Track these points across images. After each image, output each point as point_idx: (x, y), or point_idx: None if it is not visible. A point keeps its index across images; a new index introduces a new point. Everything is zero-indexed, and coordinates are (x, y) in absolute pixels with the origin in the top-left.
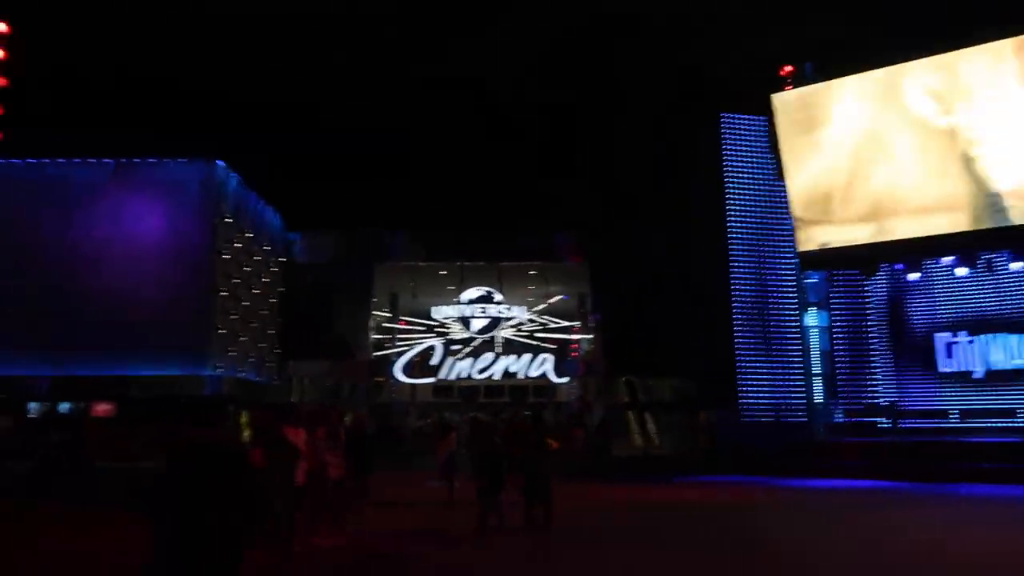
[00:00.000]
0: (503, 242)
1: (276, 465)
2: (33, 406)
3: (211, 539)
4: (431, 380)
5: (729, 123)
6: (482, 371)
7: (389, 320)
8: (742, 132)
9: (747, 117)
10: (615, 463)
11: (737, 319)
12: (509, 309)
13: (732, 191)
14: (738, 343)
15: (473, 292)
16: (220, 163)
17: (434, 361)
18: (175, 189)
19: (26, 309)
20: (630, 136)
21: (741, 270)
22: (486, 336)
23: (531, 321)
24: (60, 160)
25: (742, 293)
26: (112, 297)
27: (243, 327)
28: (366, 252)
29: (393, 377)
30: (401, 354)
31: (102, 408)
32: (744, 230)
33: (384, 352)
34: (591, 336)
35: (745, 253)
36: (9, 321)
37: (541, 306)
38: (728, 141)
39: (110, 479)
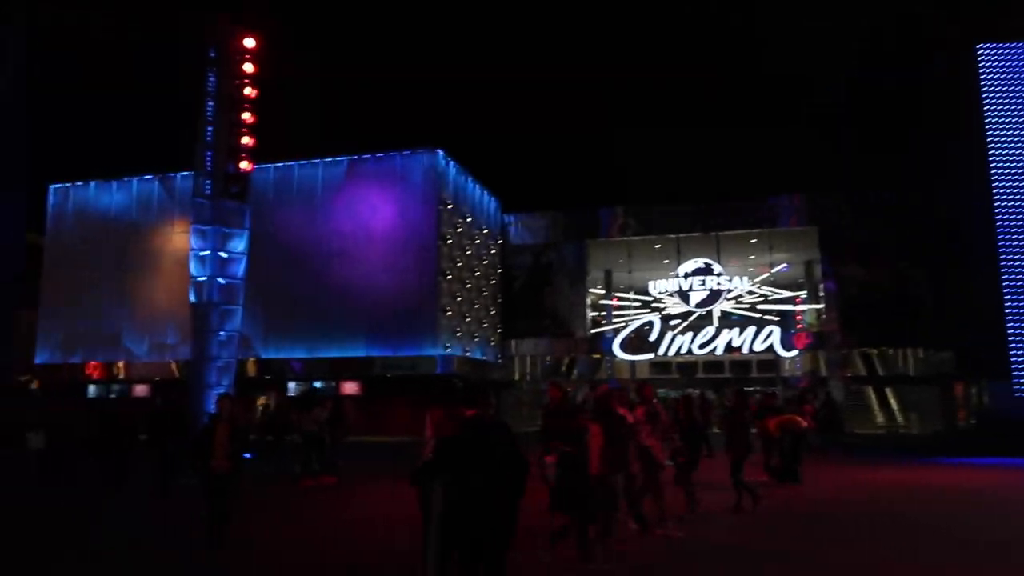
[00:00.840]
0: (720, 211)
1: (615, 444)
2: (292, 386)
3: (492, 508)
4: (649, 356)
5: (989, 54)
6: (703, 346)
7: (604, 297)
8: (1005, 63)
9: (1011, 45)
10: (852, 442)
11: (1008, 279)
12: (729, 280)
13: (995, 132)
14: (1010, 307)
15: (690, 264)
16: (440, 152)
17: (652, 337)
18: (402, 180)
19: (284, 299)
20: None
21: (1010, 222)
22: (704, 309)
23: (750, 293)
24: (303, 162)
25: (1011, 248)
26: (353, 285)
27: (467, 308)
28: (580, 230)
29: (610, 354)
30: (618, 330)
31: (350, 387)
32: (1012, 177)
33: (600, 329)
34: (820, 306)
35: (1015, 203)
36: (272, 311)
37: (763, 276)
38: (988, 75)
39: (367, 452)
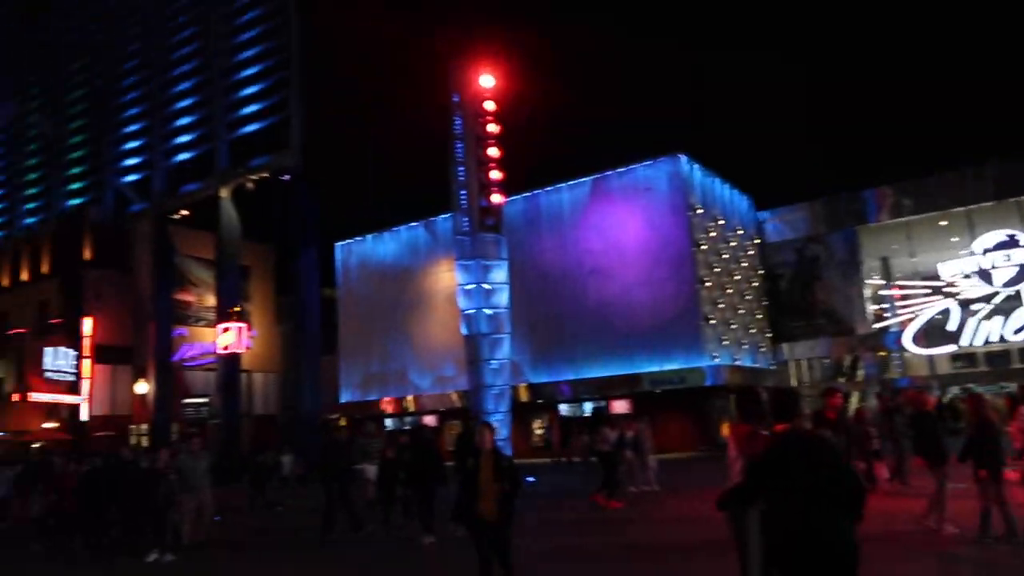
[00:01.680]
0: (1019, 171)
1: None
2: (563, 408)
3: (822, 538)
4: (950, 348)
5: None
6: (1019, 331)
7: (884, 287)
8: None
9: None
10: None
11: None
12: None
13: None
14: None
15: (989, 238)
16: (682, 156)
17: (950, 326)
18: (647, 191)
19: (546, 324)
20: None
21: None
22: (1013, 289)
23: None
24: (548, 188)
25: None
26: (611, 302)
27: (731, 315)
28: (845, 217)
29: (899, 349)
30: (905, 323)
31: (620, 405)
32: None
33: (884, 323)
34: None
35: None
36: (537, 336)
37: None
38: None
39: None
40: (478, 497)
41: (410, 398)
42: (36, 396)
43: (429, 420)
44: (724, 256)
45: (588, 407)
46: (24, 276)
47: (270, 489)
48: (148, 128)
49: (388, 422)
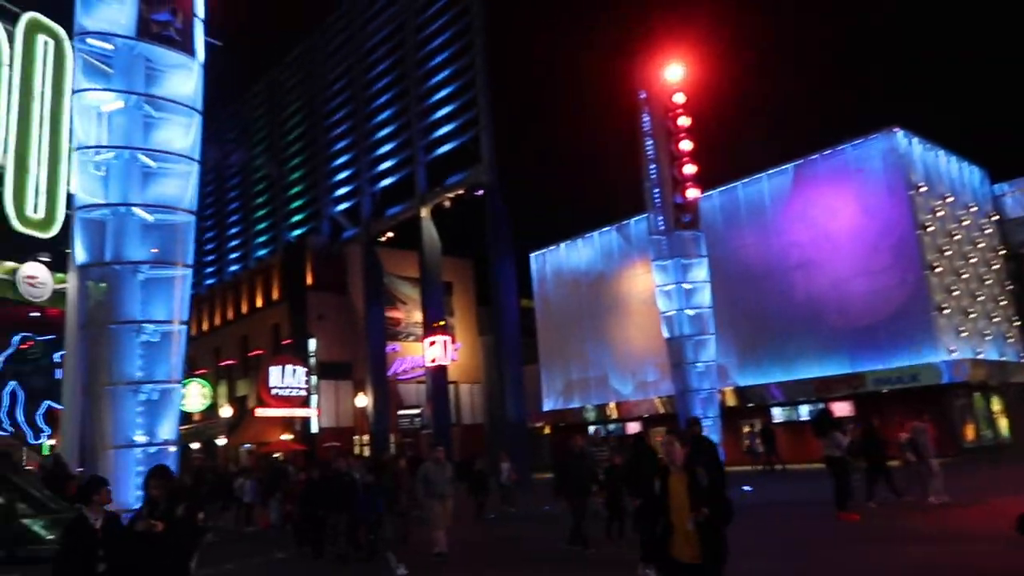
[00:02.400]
0: None
1: None
2: (776, 412)
3: None
4: None
5: None
6: None
7: None
8: None
9: None
10: None
11: None
12: None
13: None
14: None
15: None
16: (898, 130)
17: None
18: (858, 173)
19: (752, 323)
20: None
21: None
22: None
23: None
24: (745, 180)
25: None
26: (823, 297)
27: (968, 302)
28: None
29: None
30: None
31: (840, 407)
32: None
33: None
34: None
35: None
36: (742, 336)
37: None
38: None
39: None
40: (671, 530)
41: (612, 405)
42: (266, 411)
43: (633, 427)
44: (956, 237)
45: (804, 410)
46: (259, 302)
47: (489, 497)
48: (355, 159)
49: (591, 430)
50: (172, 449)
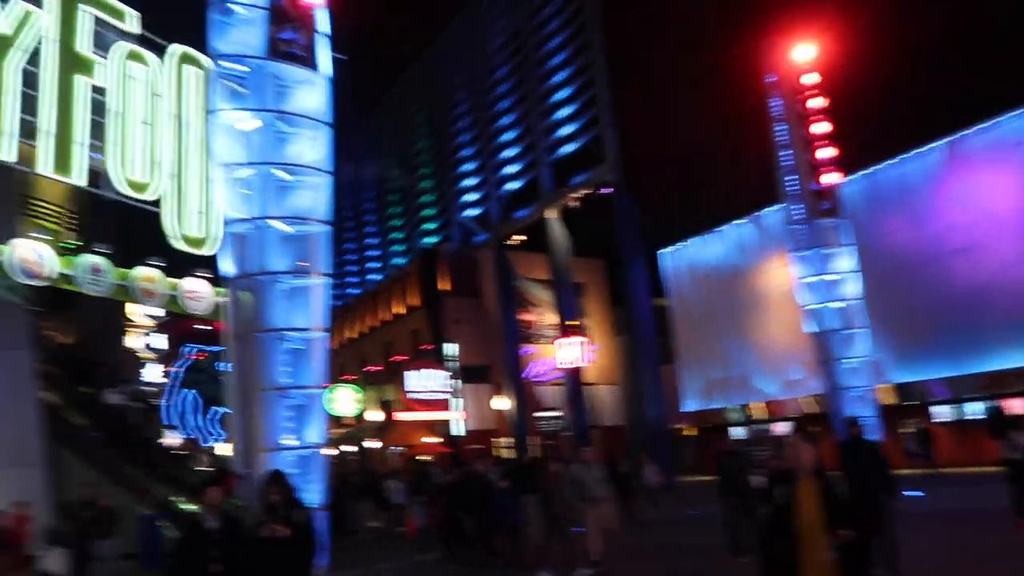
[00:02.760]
0: None
1: None
2: (940, 410)
3: None
4: None
5: None
6: None
7: None
8: None
9: None
10: None
11: None
12: None
13: None
14: None
15: None
16: None
17: None
18: (1018, 146)
19: (908, 314)
20: None
21: None
22: None
23: None
24: (891, 161)
25: None
26: (990, 283)
27: None
28: None
29: None
30: None
31: (1014, 403)
32: None
33: None
34: None
35: None
36: (898, 330)
37: None
38: None
39: None
40: (798, 551)
41: (757, 404)
42: (407, 415)
43: (780, 428)
44: None
45: (974, 407)
46: (399, 309)
47: (636, 501)
48: (481, 165)
49: (736, 432)
50: (320, 452)
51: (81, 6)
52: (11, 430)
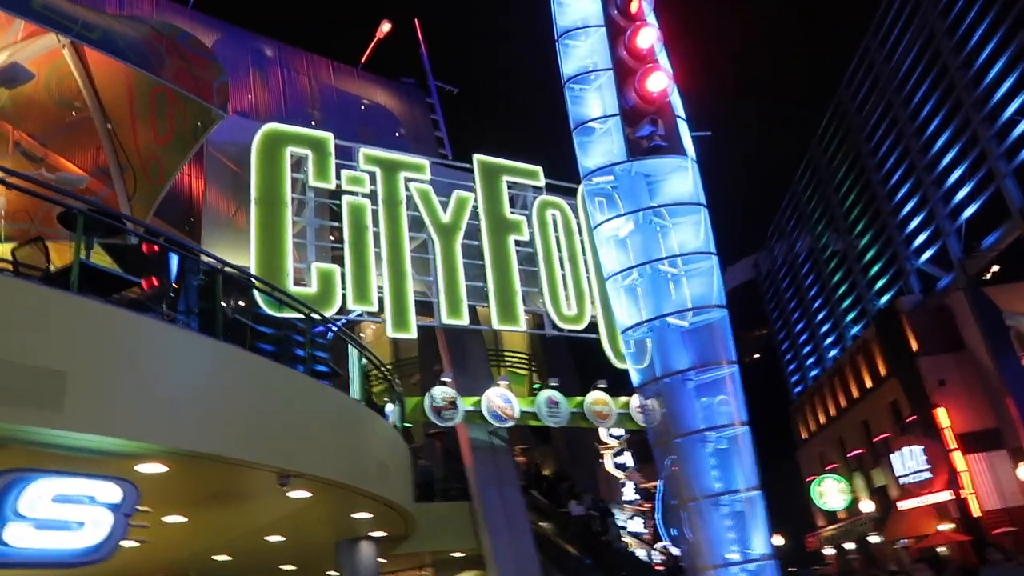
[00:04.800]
0: None
1: None
2: None
3: None
4: None
5: None
6: None
7: None
8: None
9: None
10: None
11: None
12: None
13: None
14: None
15: None
16: None
17: None
18: None
19: None
20: None
21: None
22: None
23: None
24: None
25: None
26: None
27: None
28: None
29: None
30: None
31: None
32: None
33: None
34: None
35: None
36: None
37: None
38: None
39: None
40: None
41: None
42: (904, 503)
43: None
44: None
45: None
46: (868, 382)
47: None
48: (923, 200)
49: None
50: (769, 563)
51: (505, 178)
52: (514, 561)
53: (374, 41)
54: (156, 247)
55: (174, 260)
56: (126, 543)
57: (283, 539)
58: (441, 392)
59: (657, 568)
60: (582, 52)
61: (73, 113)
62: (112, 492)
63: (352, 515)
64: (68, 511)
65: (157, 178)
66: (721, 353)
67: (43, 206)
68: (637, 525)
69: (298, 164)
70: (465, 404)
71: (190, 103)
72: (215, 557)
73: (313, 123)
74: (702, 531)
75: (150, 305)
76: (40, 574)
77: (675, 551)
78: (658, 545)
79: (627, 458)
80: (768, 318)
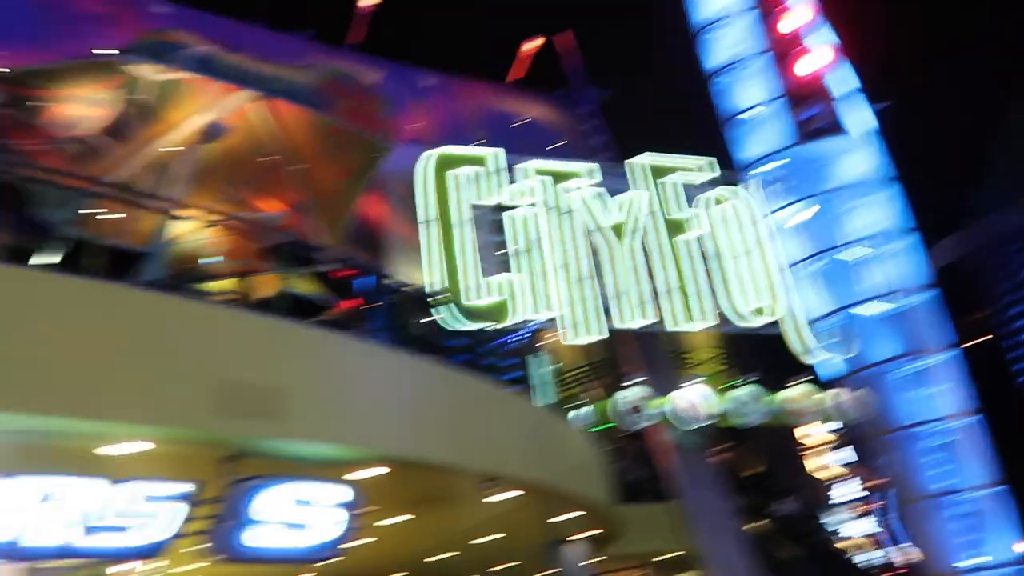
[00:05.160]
0: None
1: None
2: None
3: None
4: None
5: None
6: None
7: None
8: None
9: None
10: None
11: None
12: None
13: None
14: None
15: None
16: None
17: None
18: None
19: None
20: None
21: None
22: None
23: None
24: None
25: None
26: None
27: None
28: None
29: None
30: None
31: None
32: None
33: None
34: None
35: None
36: None
37: None
38: None
39: None
40: None
41: None
42: None
43: None
44: None
45: None
46: None
47: None
48: None
49: None
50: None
51: (671, 176)
52: (725, 561)
53: (526, 57)
54: (351, 271)
55: (368, 282)
56: (354, 542)
57: (493, 539)
58: (629, 395)
59: (899, 571)
60: (728, 42)
61: (262, 159)
62: (343, 493)
63: (555, 516)
64: (304, 513)
65: (343, 210)
66: (930, 339)
67: (252, 243)
68: (862, 526)
69: (466, 183)
70: (653, 406)
71: (362, 138)
72: (432, 558)
73: (475, 144)
74: (926, 534)
75: (351, 324)
76: (281, 571)
77: (915, 553)
78: (897, 547)
79: (847, 454)
80: (995, 297)
